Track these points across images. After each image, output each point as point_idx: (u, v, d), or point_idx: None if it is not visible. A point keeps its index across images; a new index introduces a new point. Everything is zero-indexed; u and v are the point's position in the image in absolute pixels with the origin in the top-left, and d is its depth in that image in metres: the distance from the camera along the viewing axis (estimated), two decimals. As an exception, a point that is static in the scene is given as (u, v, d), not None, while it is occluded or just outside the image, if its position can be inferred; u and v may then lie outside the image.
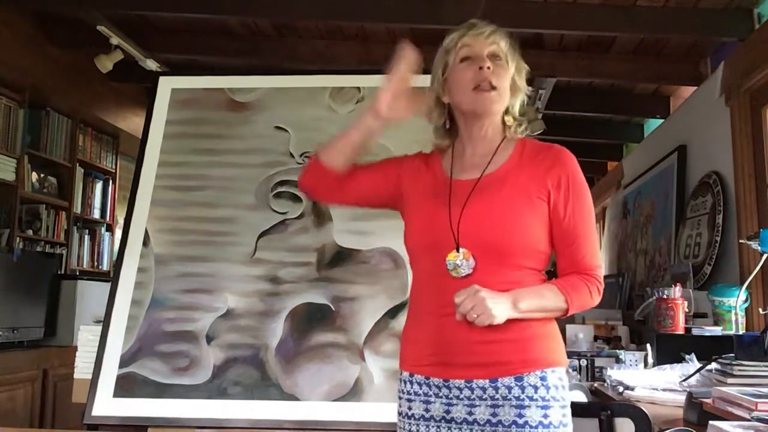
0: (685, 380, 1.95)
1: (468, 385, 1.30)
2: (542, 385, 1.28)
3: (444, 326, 1.32)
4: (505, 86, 1.37)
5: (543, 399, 1.27)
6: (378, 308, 2.25)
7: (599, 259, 1.39)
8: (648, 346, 2.42)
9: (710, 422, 1.37)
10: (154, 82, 2.72)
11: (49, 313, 3.65)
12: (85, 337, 2.32)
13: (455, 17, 3.26)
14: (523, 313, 1.28)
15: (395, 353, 2.20)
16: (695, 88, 3.75)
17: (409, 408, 1.36)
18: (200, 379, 2.20)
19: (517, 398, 1.27)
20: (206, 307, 2.30)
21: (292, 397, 2.14)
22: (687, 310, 2.48)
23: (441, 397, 1.32)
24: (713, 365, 1.89)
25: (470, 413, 1.29)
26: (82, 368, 2.28)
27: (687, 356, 2.14)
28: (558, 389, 1.30)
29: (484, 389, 1.29)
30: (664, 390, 1.93)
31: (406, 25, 3.59)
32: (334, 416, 2.10)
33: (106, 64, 3.90)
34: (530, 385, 1.28)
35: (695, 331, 2.40)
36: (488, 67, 1.35)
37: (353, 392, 2.14)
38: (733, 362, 1.79)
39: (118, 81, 4.54)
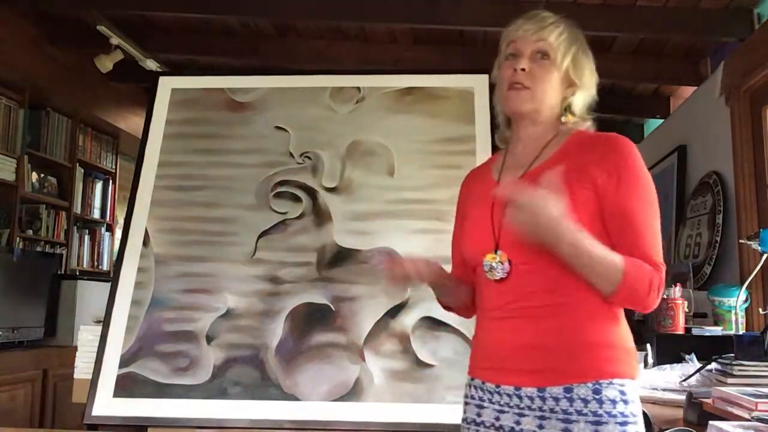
0: (685, 380, 1.95)
1: (517, 392, 1.23)
2: (594, 398, 1.17)
3: (493, 330, 1.28)
4: (542, 86, 1.30)
5: (594, 414, 1.16)
6: (378, 308, 2.25)
7: (661, 257, 1.23)
8: (648, 346, 2.41)
9: (710, 422, 1.37)
10: (154, 82, 2.72)
11: (49, 313, 3.65)
12: (85, 337, 2.32)
13: (455, 17, 3.31)
14: (567, 246, 1.14)
15: (395, 353, 2.21)
16: (695, 88, 3.76)
17: (464, 411, 1.34)
18: (200, 379, 2.20)
19: (564, 411, 1.18)
20: (206, 307, 2.30)
21: (292, 397, 2.14)
22: (687, 310, 2.48)
23: (494, 403, 1.27)
24: (713, 365, 1.89)
25: (518, 422, 1.23)
26: (82, 368, 2.28)
27: (687, 356, 2.14)
28: (616, 404, 1.17)
29: (532, 399, 1.21)
30: (664, 390, 1.93)
31: (406, 25, 3.59)
32: (334, 416, 2.10)
33: (106, 64, 3.90)
34: (580, 397, 1.17)
35: (695, 331, 2.40)
36: (522, 69, 1.29)
37: (353, 392, 2.14)
38: (733, 362, 1.79)
39: (118, 81, 4.54)
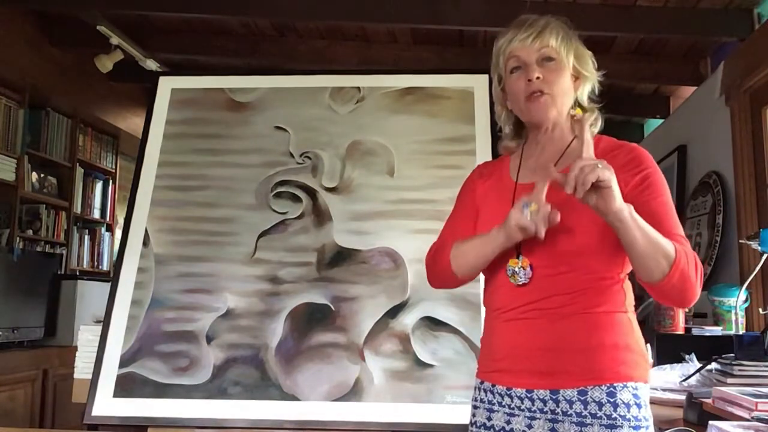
0: (685, 380, 1.95)
1: (528, 395, 1.23)
2: (608, 401, 1.17)
3: (507, 331, 1.27)
4: (560, 87, 1.31)
5: (608, 417, 1.16)
6: (378, 308, 2.25)
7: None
8: (648, 346, 2.41)
9: (710, 422, 1.37)
10: (154, 82, 2.72)
11: (49, 313, 3.65)
12: (85, 337, 2.32)
13: (455, 17, 3.31)
14: (632, 222, 1.13)
15: (395, 353, 2.21)
16: (695, 88, 3.76)
17: (473, 415, 1.32)
18: (200, 379, 2.20)
19: (579, 414, 1.17)
20: (206, 307, 2.30)
21: (292, 397, 2.14)
22: (687, 310, 2.48)
23: (504, 407, 1.26)
24: (713, 365, 1.89)
25: (529, 426, 1.22)
26: (82, 368, 2.28)
27: (687, 356, 2.14)
28: (630, 408, 1.17)
29: (544, 401, 1.21)
30: (664, 390, 1.93)
31: (406, 25, 3.59)
32: (334, 416, 2.10)
33: (106, 64, 3.90)
34: (594, 400, 1.17)
35: (695, 331, 2.40)
36: (537, 77, 1.29)
37: (353, 392, 2.14)
38: (733, 362, 1.79)
39: (118, 81, 4.55)
